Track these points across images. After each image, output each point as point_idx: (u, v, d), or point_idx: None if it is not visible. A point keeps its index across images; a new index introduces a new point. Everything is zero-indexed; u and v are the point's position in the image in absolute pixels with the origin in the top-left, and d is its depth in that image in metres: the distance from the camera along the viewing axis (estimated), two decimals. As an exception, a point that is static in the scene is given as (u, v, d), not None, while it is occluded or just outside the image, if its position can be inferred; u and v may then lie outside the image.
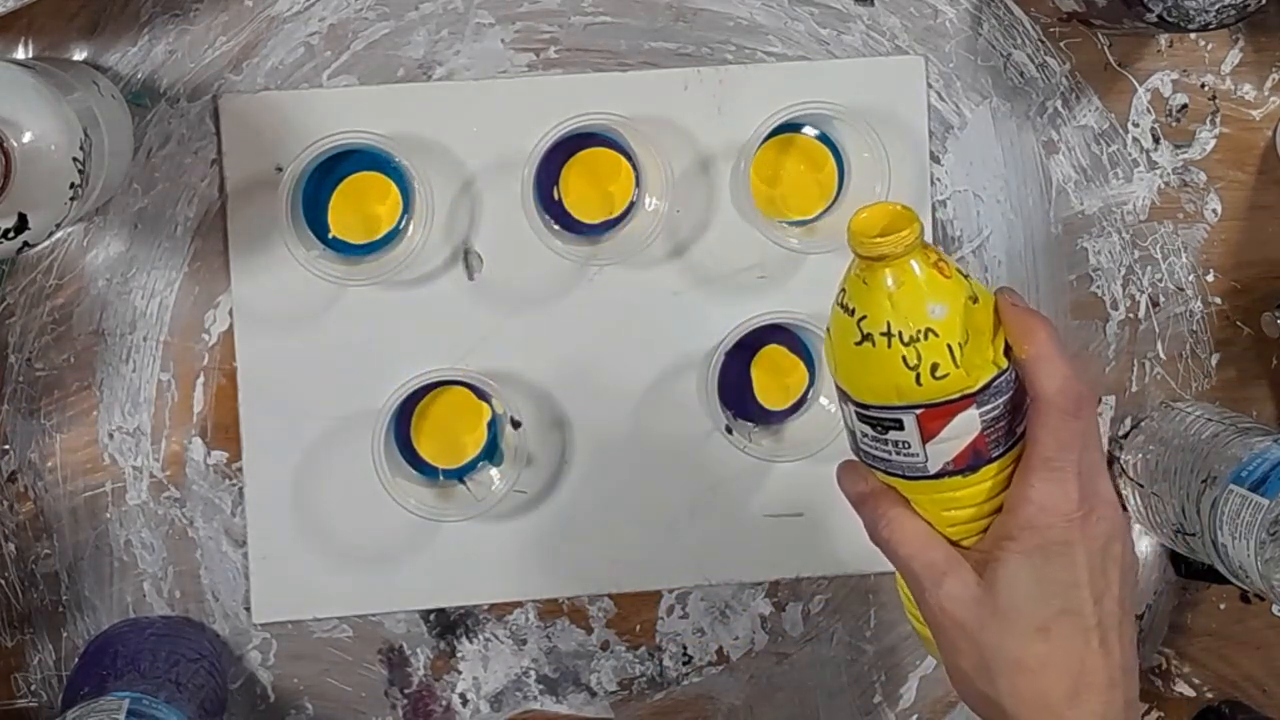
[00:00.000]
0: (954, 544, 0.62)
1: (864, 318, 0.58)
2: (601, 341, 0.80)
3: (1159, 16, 0.75)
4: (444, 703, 0.82)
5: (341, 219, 0.78)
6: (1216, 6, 0.74)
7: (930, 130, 0.82)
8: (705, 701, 0.84)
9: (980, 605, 0.60)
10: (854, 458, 0.63)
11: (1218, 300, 0.85)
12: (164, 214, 0.78)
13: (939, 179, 0.82)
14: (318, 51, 0.78)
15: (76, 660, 0.78)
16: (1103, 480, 0.61)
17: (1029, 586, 0.59)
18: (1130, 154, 0.84)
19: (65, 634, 0.79)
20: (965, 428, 0.58)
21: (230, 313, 0.78)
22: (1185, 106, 0.84)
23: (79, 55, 0.77)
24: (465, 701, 0.82)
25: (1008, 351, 0.59)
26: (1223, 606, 0.87)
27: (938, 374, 0.57)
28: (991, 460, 0.59)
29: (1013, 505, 0.60)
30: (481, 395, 0.79)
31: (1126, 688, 0.60)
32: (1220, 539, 0.75)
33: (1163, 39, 0.83)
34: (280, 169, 0.77)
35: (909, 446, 0.59)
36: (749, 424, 0.81)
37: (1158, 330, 0.85)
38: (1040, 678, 0.59)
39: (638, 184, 0.79)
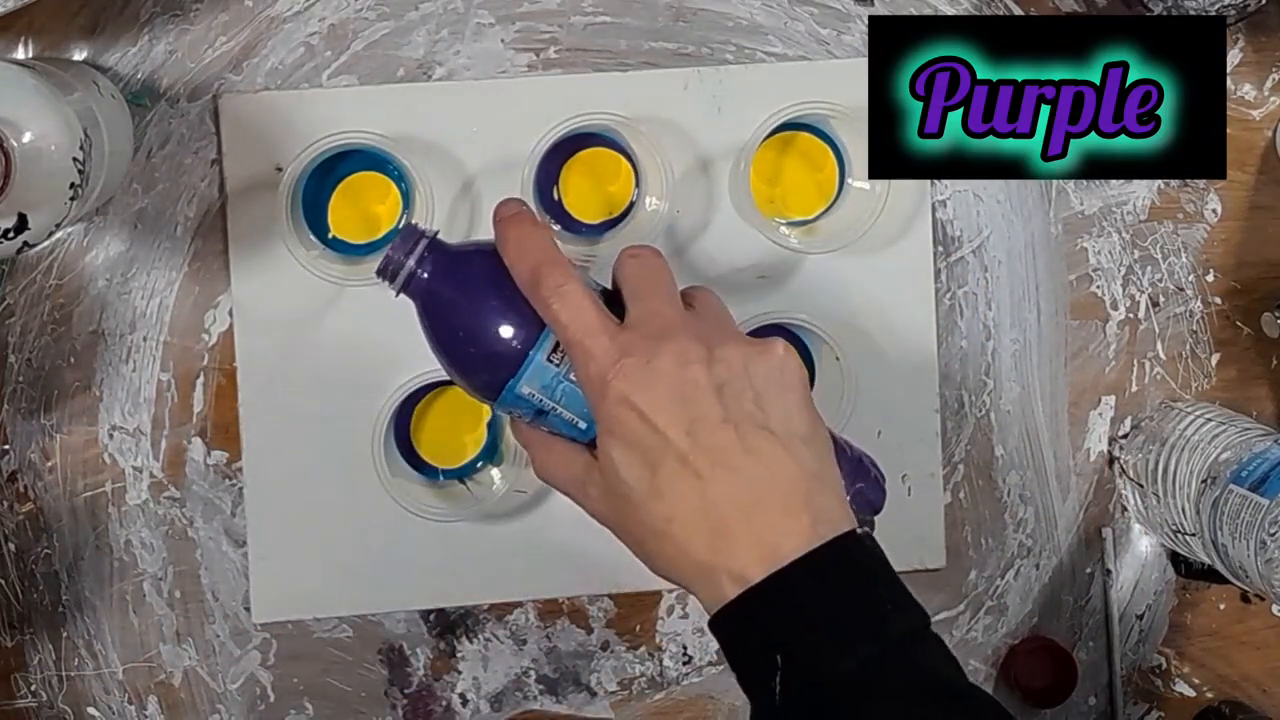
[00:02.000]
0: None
1: None
2: (601, 341, 0.80)
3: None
4: (444, 703, 0.82)
5: (341, 219, 0.78)
6: (1216, 6, 0.74)
7: (930, 130, 0.82)
8: (705, 701, 0.84)
9: (610, 497, 0.60)
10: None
11: (1218, 300, 0.85)
12: (164, 214, 0.78)
13: (939, 179, 0.82)
14: (318, 51, 0.78)
15: None
16: (655, 318, 0.60)
17: (622, 457, 0.59)
18: (1130, 154, 0.84)
19: (65, 634, 0.79)
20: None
21: (230, 313, 0.78)
22: (1185, 106, 0.84)
23: (79, 55, 0.77)
24: (465, 701, 0.82)
25: None
26: (1223, 606, 0.87)
27: None
28: None
29: (583, 392, 0.61)
30: (481, 395, 0.79)
31: (781, 500, 0.57)
32: (1220, 539, 0.75)
33: (1163, 39, 0.83)
34: (280, 169, 0.77)
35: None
36: (749, 424, 0.81)
37: (1158, 330, 0.85)
38: (674, 535, 0.58)
39: (638, 184, 0.79)
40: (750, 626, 0.57)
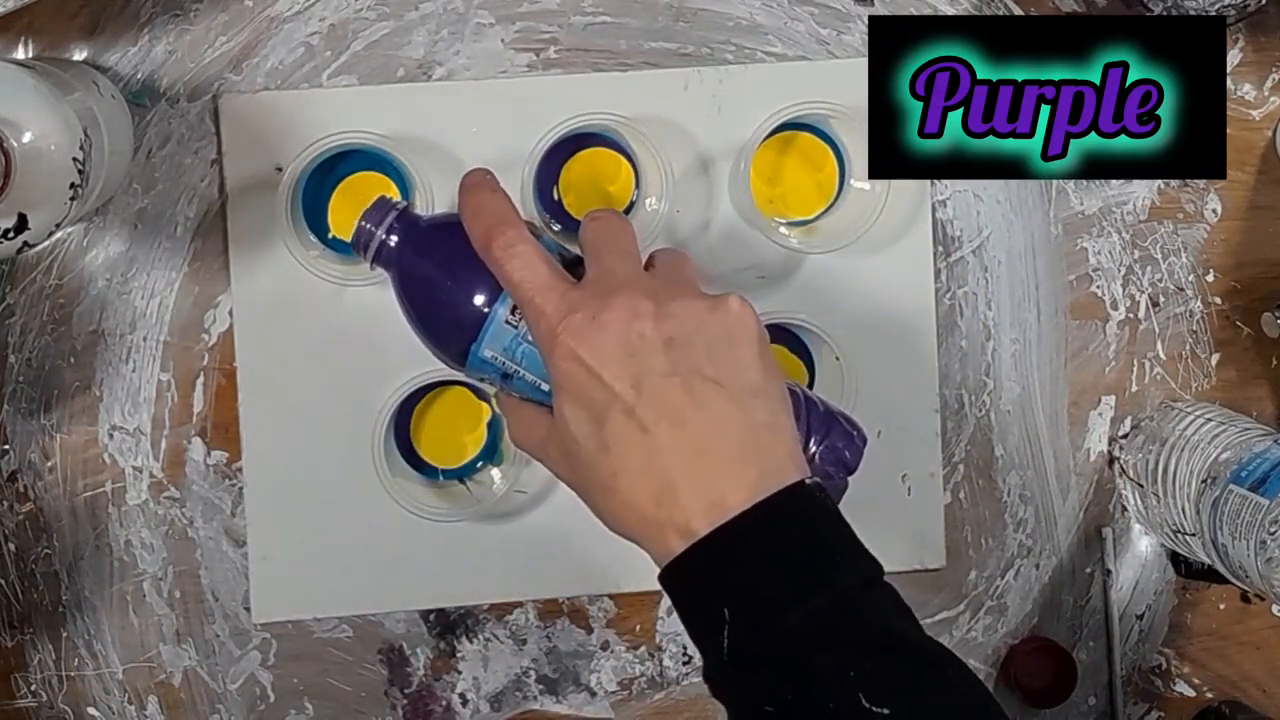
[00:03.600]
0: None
1: None
2: (601, 341, 0.80)
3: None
4: (444, 703, 0.82)
5: (341, 219, 0.78)
6: (1216, 6, 0.74)
7: (930, 130, 0.82)
8: (705, 701, 0.84)
9: (567, 455, 0.60)
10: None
11: (1218, 300, 0.85)
12: (164, 214, 0.78)
13: (939, 179, 0.82)
14: (318, 51, 0.78)
15: None
16: (607, 276, 0.60)
17: (572, 413, 0.59)
18: (1130, 154, 0.84)
19: (65, 634, 0.79)
20: None
21: (230, 313, 0.78)
22: (1185, 106, 0.84)
23: (79, 55, 0.77)
24: (465, 701, 0.82)
25: None
26: (1223, 606, 0.87)
27: None
28: None
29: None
30: (481, 395, 0.79)
31: (726, 453, 0.57)
32: (1220, 539, 0.75)
33: (1163, 39, 0.83)
34: (280, 169, 0.77)
35: None
36: (749, 424, 0.81)
37: (1158, 330, 0.85)
38: (620, 490, 0.58)
39: (638, 184, 0.79)
40: (697, 581, 0.56)
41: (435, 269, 0.63)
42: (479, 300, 0.62)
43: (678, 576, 0.57)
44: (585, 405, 0.58)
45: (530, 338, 0.61)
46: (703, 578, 0.56)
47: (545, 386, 0.62)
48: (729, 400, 0.58)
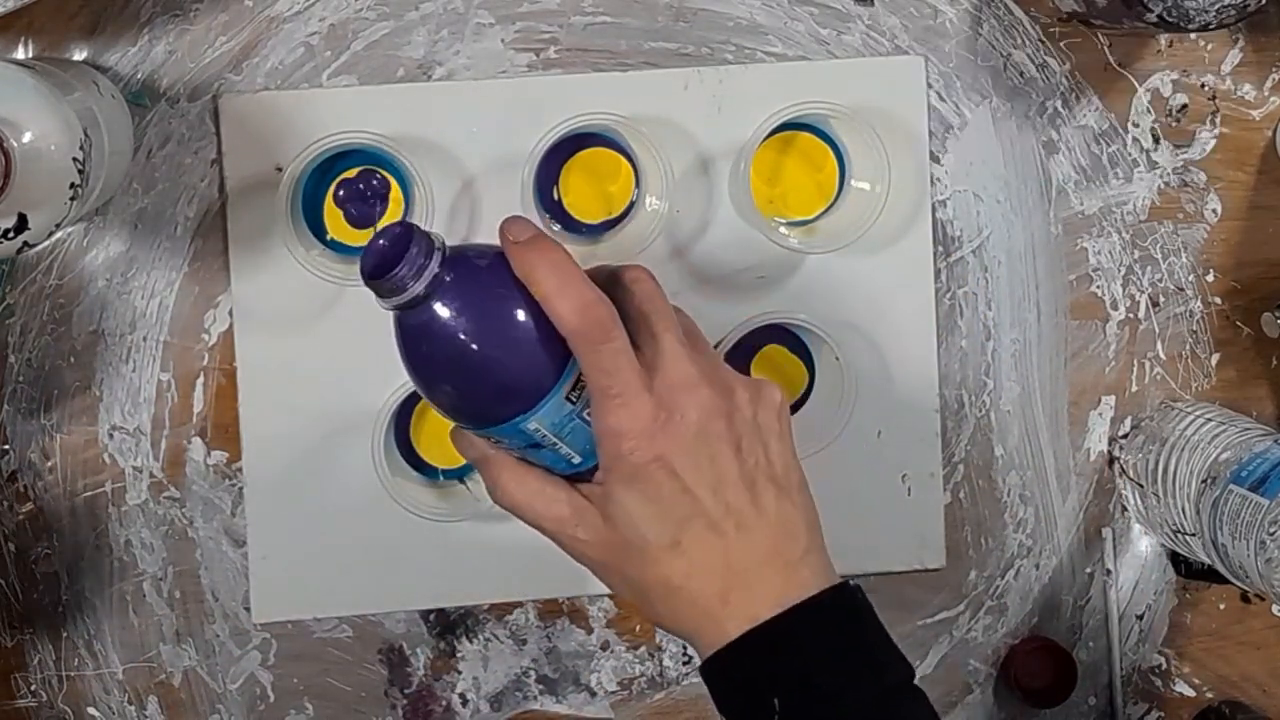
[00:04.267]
0: (578, 480, 0.61)
1: None
2: (601, 341, 0.80)
3: (1159, 16, 0.75)
4: (444, 703, 0.82)
5: (339, 219, 0.78)
6: (1216, 6, 0.74)
7: (930, 130, 0.82)
8: (705, 701, 0.83)
9: (612, 545, 0.60)
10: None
11: (1218, 300, 0.85)
12: (164, 214, 0.78)
13: (939, 179, 0.82)
14: (318, 51, 0.78)
15: None
16: (677, 362, 0.59)
17: (641, 510, 0.58)
18: (1130, 154, 0.84)
19: (65, 634, 0.79)
20: None
21: (230, 313, 0.78)
22: (1185, 106, 0.84)
23: (79, 55, 0.77)
24: (465, 701, 0.82)
25: None
26: (1223, 606, 0.87)
27: None
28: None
29: (597, 440, 0.59)
30: (481, 395, 0.79)
31: (787, 555, 0.59)
32: (1220, 539, 0.75)
33: (1163, 39, 0.83)
34: (280, 169, 0.77)
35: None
36: (749, 424, 0.81)
37: (1158, 330, 0.85)
38: (688, 590, 0.59)
39: (638, 184, 0.79)
40: (749, 670, 0.58)
41: (491, 332, 0.55)
42: (541, 375, 0.56)
43: (728, 666, 0.58)
44: (660, 505, 0.58)
45: (586, 414, 0.59)
46: (754, 667, 0.58)
47: (577, 460, 0.60)
48: (785, 500, 0.60)
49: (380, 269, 0.55)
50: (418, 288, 0.54)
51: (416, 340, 0.56)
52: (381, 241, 0.55)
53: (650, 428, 0.58)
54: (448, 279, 0.55)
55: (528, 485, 0.61)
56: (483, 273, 0.56)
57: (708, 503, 0.59)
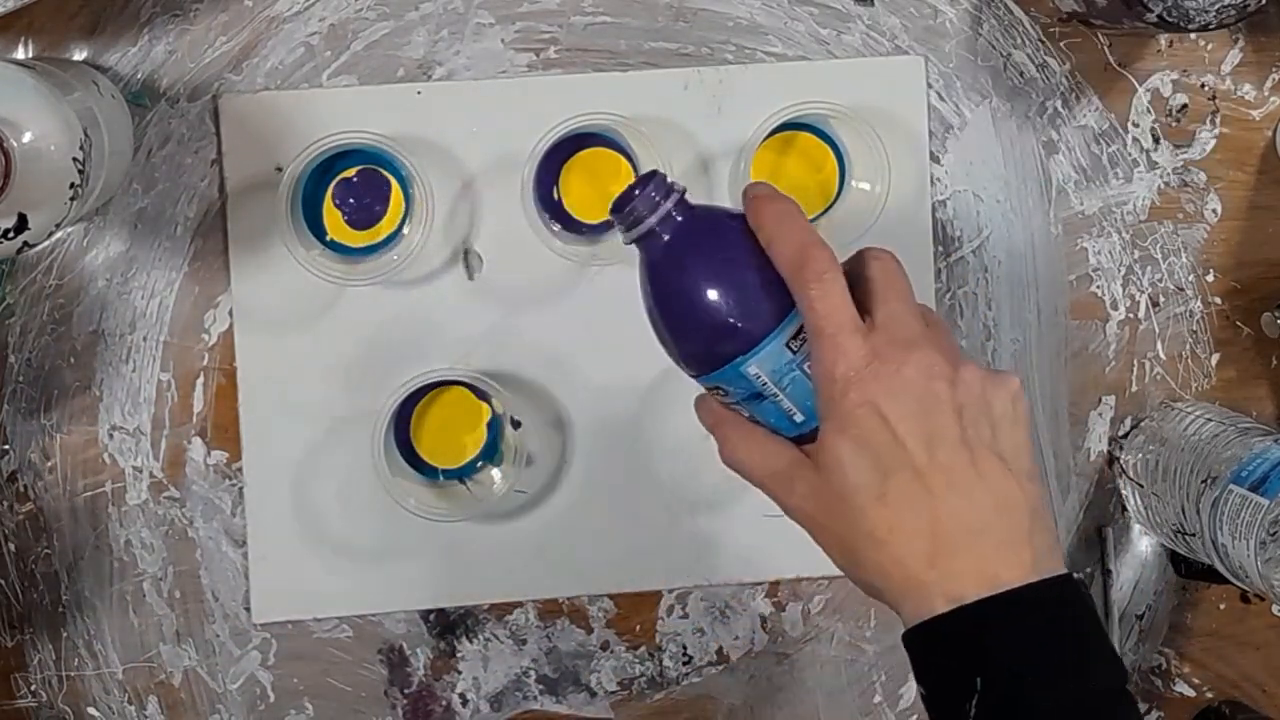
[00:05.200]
0: (802, 442, 0.60)
1: None
2: (602, 342, 0.80)
3: (1159, 16, 0.75)
4: (444, 703, 0.82)
5: (338, 219, 0.78)
6: (1216, 6, 0.74)
7: (930, 130, 0.82)
8: (705, 701, 0.84)
9: (824, 496, 0.59)
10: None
11: (1218, 300, 0.85)
12: (164, 214, 0.78)
13: (939, 179, 0.82)
14: (318, 51, 0.78)
15: None
16: (902, 324, 0.59)
17: (852, 459, 0.57)
18: (1130, 154, 0.84)
19: (65, 634, 0.79)
20: None
21: (230, 313, 0.78)
22: (1185, 106, 0.84)
23: (79, 55, 0.77)
24: (465, 701, 0.82)
25: None
26: (1223, 606, 0.87)
27: None
28: None
29: (815, 388, 0.59)
30: (481, 395, 0.79)
31: (1006, 529, 0.57)
32: (1220, 539, 0.75)
33: (1163, 39, 0.83)
34: (280, 169, 0.77)
35: None
36: (749, 424, 0.81)
37: (1158, 330, 0.85)
38: (893, 546, 0.57)
39: (638, 184, 0.79)
40: (954, 645, 0.56)
41: (717, 269, 0.59)
42: (763, 315, 0.58)
43: (933, 638, 0.57)
44: (870, 453, 0.57)
45: (806, 367, 0.59)
46: (961, 644, 0.56)
47: (799, 417, 0.60)
48: (1010, 479, 0.58)
49: (621, 203, 0.60)
50: (651, 221, 0.59)
51: (650, 274, 0.60)
52: (633, 188, 0.60)
53: (862, 372, 0.57)
54: (679, 219, 0.59)
55: (751, 441, 0.61)
56: (715, 219, 0.60)
57: (918, 456, 0.57)
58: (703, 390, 0.62)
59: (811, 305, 0.58)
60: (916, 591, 0.57)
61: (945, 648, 0.57)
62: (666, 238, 0.59)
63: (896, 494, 0.57)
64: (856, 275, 0.60)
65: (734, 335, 0.58)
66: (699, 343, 0.59)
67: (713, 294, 0.58)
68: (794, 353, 0.59)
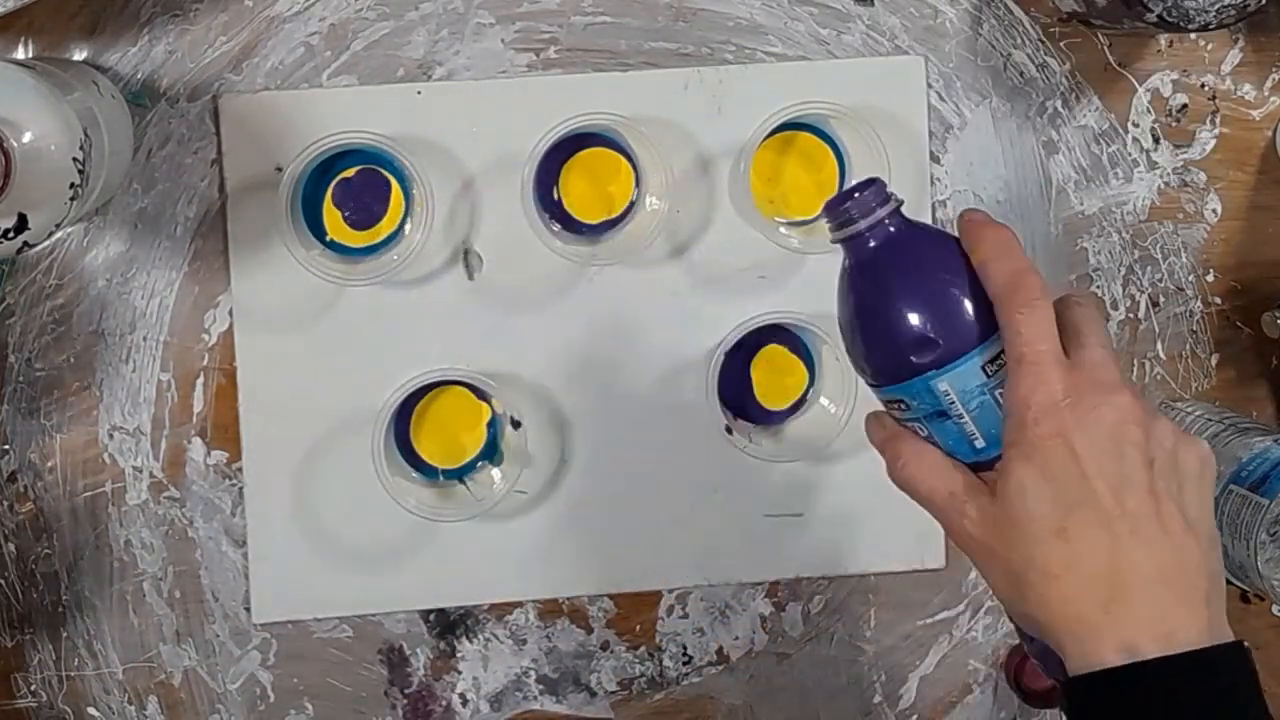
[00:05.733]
0: (981, 467, 0.60)
1: None
2: (601, 342, 0.80)
3: (1159, 16, 0.75)
4: (444, 703, 0.82)
5: (338, 219, 0.78)
6: (1216, 6, 0.74)
7: (930, 130, 0.82)
8: (705, 701, 0.84)
9: (999, 523, 0.58)
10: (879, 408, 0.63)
11: (1218, 300, 0.85)
12: (164, 214, 0.78)
13: (939, 179, 0.82)
14: (318, 51, 0.78)
15: None
16: (1103, 368, 0.58)
17: (1035, 489, 0.57)
18: (1130, 154, 0.84)
19: (65, 634, 0.79)
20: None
21: (230, 313, 0.78)
22: (1185, 106, 0.84)
23: (79, 55, 0.77)
24: (465, 701, 0.82)
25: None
26: (1223, 606, 0.87)
27: None
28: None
29: (1006, 413, 0.58)
30: (481, 395, 0.79)
31: (1184, 587, 0.56)
32: (1220, 539, 0.75)
33: (1163, 39, 0.83)
34: (280, 169, 0.77)
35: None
36: (749, 424, 0.81)
37: (1158, 330, 0.85)
38: (1066, 582, 0.56)
39: (638, 184, 0.79)
40: (1128, 700, 0.55)
41: (924, 281, 0.59)
42: (964, 334, 0.58)
43: (1105, 689, 0.56)
44: (1054, 486, 0.57)
45: (998, 394, 0.58)
46: (1135, 699, 0.55)
47: (980, 443, 0.59)
48: (1193, 538, 0.57)
49: (836, 201, 0.60)
50: (862, 225, 0.59)
51: (853, 277, 0.60)
52: (853, 190, 0.61)
53: (1058, 404, 0.56)
54: (891, 228, 0.60)
55: (925, 459, 0.60)
56: (929, 233, 0.61)
57: (1104, 497, 0.56)
58: (878, 408, 0.62)
59: (1018, 330, 0.57)
60: (1086, 634, 0.56)
61: (1121, 701, 0.56)
62: (874, 243, 0.59)
63: (1077, 531, 0.56)
64: (1058, 317, 0.60)
65: (931, 348, 0.58)
66: (893, 351, 0.59)
67: (916, 303, 0.58)
68: (989, 376, 0.58)
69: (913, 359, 0.58)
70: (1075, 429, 0.56)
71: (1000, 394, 0.58)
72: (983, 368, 0.58)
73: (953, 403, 0.58)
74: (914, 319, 0.58)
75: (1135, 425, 0.57)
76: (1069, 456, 0.56)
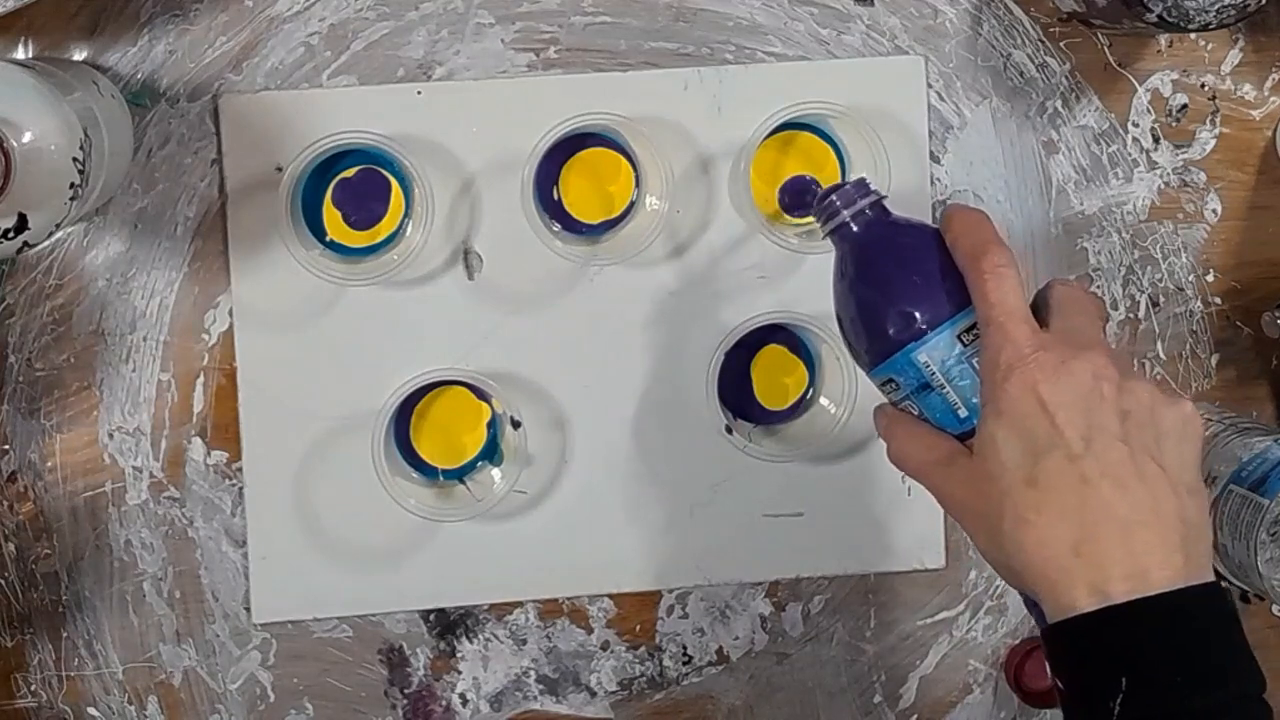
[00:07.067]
0: (967, 436, 0.61)
1: None
2: (601, 341, 0.80)
3: (1159, 16, 0.75)
4: (444, 703, 0.82)
5: (337, 219, 0.78)
6: (1216, 6, 0.74)
7: (930, 130, 0.82)
8: (705, 701, 0.84)
9: (976, 479, 0.59)
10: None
11: (1218, 300, 0.85)
12: (164, 214, 0.78)
13: (939, 179, 0.82)
14: (318, 51, 0.78)
15: None
16: (1079, 333, 0.59)
17: (1005, 440, 0.58)
18: (1130, 154, 0.84)
19: (65, 634, 0.79)
20: None
21: (230, 313, 0.78)
22: (1185, 106, 0.84)
23: (79, 55, 0.77)
24: (465, 701, 0.82)
25: None
26: (1223, 606, 0.87)
27: None
28: None
29: (981, 378, 0.60)
30: (481, 395, 0.79)
31: (1159, 529, 0.56)
32: (1220, 539, 0.75)
33: (1163, 39, 0.83)
34: (280, 169, 0.77)
35: None
36: (749, 424, 0.81)
37: (1158, 330, 0.85)
38: (1038, 527, 0.56)
39: (638, 184, 0.79)
40: (1101, 643, 0.56)
41: (900, 260, 0.63)
42: (938, 304, 0.61)
43: (1078, 634, 0.56)
44: (1024, 436, 0.57)
45: (975, 362, 0.60)
46: (1109, 642, 0.56)
47: (963, 413, 0.61)
48: (1169, 486, 0.57)
49: (821, 197, 0.65)
50: (845, 215, 0.64)
51: (841, 264, 0.65)
52: (839, 186, 0.66)
53: (1025, 358, 0.58)
54: (871, 215, 0.64)
55: (915, 434, 0.63)
56: (910, 224, 0.65)
57: (1074, 443, 0.57)
58: (881, 401, 0.65)
59: (985, 295, 0.59)
60: (1058, 579, 0.56)
61: (1089, 644, 0.56)
62: (858, 230, 0.64)
63: (1046, 476, 0.57)
64: (1044, 298, 0.62)
65: (908, 322, 0.61)
66: (877, 330, 0.62)
67: (894, 281, 0.62)
68: (965, 345, 0.61)
69: (891, 332, 0.62)
70: (1043, 382, 0.57)
71: (977, 362, 0.60)
72: (958, 337, 0.61)
73: (933, 374, 0.61)
74: (892, 295, 0.62)
75: (1106, 380, 0.58)
76: (1037, 407, 0.57)
